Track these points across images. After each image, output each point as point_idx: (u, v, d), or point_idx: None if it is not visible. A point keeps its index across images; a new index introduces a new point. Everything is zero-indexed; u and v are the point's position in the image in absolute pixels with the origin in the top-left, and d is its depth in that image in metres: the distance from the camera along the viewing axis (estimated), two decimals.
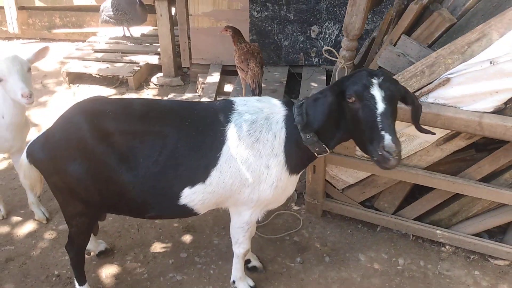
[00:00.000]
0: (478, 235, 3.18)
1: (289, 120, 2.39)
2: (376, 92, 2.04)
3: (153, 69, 5.67)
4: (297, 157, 2.44)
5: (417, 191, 3.37)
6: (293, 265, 3.18)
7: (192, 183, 2.37)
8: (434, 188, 3.12)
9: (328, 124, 2.28)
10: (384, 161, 2.01)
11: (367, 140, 2.08)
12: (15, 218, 3.56)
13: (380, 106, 2.03)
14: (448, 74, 2.61)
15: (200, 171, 2.36)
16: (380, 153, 1.99)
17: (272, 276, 3.10)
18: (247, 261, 3.09)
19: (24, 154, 2.47)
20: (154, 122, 2.37)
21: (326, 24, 4.77)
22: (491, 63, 2.47)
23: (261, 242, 3.36)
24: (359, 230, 3.48)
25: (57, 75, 5.84)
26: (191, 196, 2.40)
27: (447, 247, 3.26)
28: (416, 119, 2.28)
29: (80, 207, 2.46)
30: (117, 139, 2.30)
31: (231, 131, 2.35)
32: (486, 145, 3.08)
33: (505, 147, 2.81)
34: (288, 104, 2.47)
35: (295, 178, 2.57)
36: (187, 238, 3.39)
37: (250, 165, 2.37)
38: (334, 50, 3.04)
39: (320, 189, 3.42)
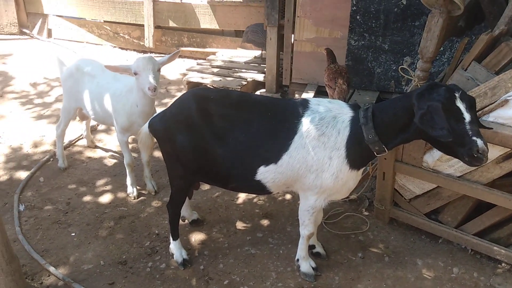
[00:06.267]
0: None
1: (354, 121, 2.82)
2: (460, 104, 2.45)
3: (258, 85, 6.41)
4: (358, 153, 2.84)
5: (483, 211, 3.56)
6: (354, 259, 3.54)
7: (267, 163, 2.89)
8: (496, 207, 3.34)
9: (393, 127, 2.73)
10: (478, 161, 2.44)
11: (457, 144, 2.47)
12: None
13: (467, 116, 2.44)
14: (507, 96, 2.90)
15: (274, 154, 2.88)
16: (475, 155, 2.40)
17: (334, 264, 3.48)
18: (312, 247, 3.51)
19: (146, 125, 3.22)
20: (244, 110, 2.95)
21: (419, 56, 5.11)
22: None
23: (328, 235, 3.77)
24: (422, 240, 3.73)
25: (179, 83, 6.84)
26: (264, 174, 2.92)
27: (503, 264, 3.40)
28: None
29: (181, 171, 3.12)
30: (215, 120, 2.92)
31: (303, 124, 2.84)
32: None
33: None
34: (355, 107, 2.92)
35: (356, 174, 2.95)
36: (264, 222, 3.92)
37: (315, 154, 2.83)
38: (409, 69, 3.45)
39: (388, 196, 3.76)
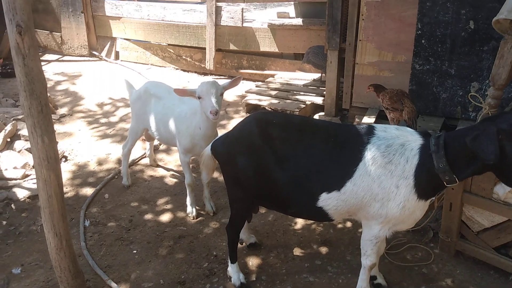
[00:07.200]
0: None
1: (424, 149, 2.72)
2: None
3: (316, 108, 6.38)
4: (427, 183, 2.73)
5: None
6: None
7: (329, 190, 2.84)
8: None
9: (465, 157, 2.60)
10: None
11: None
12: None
13: None
14: None
15: (337, 180, 2.82)
16: None
17: None
18: (374, 278, 3.39)
19: (208, 147, 3.28)
20: (307, 135, 2.94)
21: (487, 81, 4.91)
22: None
23: (390, 266, 3.63)
24: (491, 275, 3.51)
25: (237, 105, 6.94)
26: (326, 201, 2.87)
27: None
28: None
29: (241, 193, 3.14)
30: (277, 144, 2.92)
31: (369, 151, 2.77)
32: None
33: None
34: (425, 135, 2.83)
35: (424, 204, 2.84)
36: (323, 249, 3.84)
37: (381, 183, 2.75)
38: (479, 96, 3.31)
39: (455, 228, 3.59)
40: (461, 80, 5.07)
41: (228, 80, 3.88)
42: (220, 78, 8.17)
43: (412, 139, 2.79)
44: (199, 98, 3.69)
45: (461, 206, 3.48)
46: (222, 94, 3.75)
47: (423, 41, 5.14)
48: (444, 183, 2.70)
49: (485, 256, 3.51)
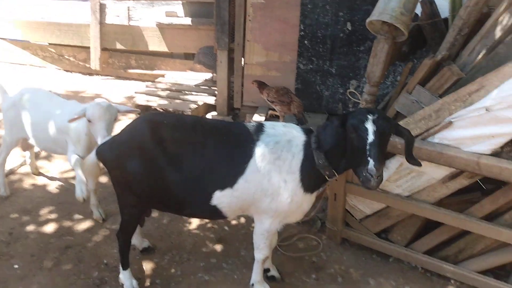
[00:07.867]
0: (483, 273, 3.42)
1: (307, 145, 2.86)
2: (369, 126, 2.51)
3: (209, 108, 6.39)
4: (311, 177, 2.86)
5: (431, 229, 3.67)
6: (308, 281, 3.53)
7: (222, 187, 2.86)
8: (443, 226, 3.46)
9: (335, 151, 2.75)
10: (366, 181, 2.51)
11: (358, 164, 2.56)
12: (77, 216, 4.18)
13: (370, 137, 2.50)
14: (451, 118, 3.04)
15: (229, 178, 2.85)
16: (364, 174, 2.48)
17: (288, 287, 3.48)
18: (267, 270, 3.48)
19: (93, 153, 3.10)
20: (199, 134, 2.92)
21: (364, 79, 5.29)
22: (486, 110, 2.87)
23: (282, 258, 3.75)
24: (373, 259, 3.79)
25: None
26: (220, 198, 2.89)
27: (452, 281, 3.49)
28: (407, 150, 2.72)
29: (132, 199, 3.02)
30: (169, 145, 2.86)
31: (258, 148, 2.84)
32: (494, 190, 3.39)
33: (504, 188, 3.12)
34: (308, 131, 2.96)
35: (310, 197, 2.97)
36: (218, 247, 3.86)
37: (271, 178, 2.83)
38: (357, 93, 3.55)
39: (340, 217, 3.81)
40: (341, 78, 5.40)
41: (125, 107, 3.65)
42: (107, 79, 7.85)
43: (297, 136, 2.90)
44: (89, 121, 3.43)
45: (344, 195, 3.70)
46: (116, 119, 3.52)
47: (306, 42, 5.39)
48: (326, 177, 2.85)
49: (368, 242, 3.78)
